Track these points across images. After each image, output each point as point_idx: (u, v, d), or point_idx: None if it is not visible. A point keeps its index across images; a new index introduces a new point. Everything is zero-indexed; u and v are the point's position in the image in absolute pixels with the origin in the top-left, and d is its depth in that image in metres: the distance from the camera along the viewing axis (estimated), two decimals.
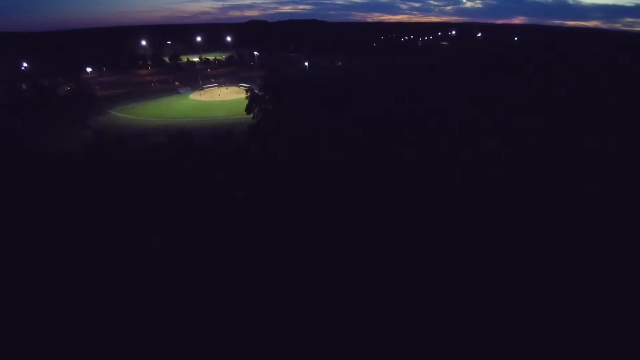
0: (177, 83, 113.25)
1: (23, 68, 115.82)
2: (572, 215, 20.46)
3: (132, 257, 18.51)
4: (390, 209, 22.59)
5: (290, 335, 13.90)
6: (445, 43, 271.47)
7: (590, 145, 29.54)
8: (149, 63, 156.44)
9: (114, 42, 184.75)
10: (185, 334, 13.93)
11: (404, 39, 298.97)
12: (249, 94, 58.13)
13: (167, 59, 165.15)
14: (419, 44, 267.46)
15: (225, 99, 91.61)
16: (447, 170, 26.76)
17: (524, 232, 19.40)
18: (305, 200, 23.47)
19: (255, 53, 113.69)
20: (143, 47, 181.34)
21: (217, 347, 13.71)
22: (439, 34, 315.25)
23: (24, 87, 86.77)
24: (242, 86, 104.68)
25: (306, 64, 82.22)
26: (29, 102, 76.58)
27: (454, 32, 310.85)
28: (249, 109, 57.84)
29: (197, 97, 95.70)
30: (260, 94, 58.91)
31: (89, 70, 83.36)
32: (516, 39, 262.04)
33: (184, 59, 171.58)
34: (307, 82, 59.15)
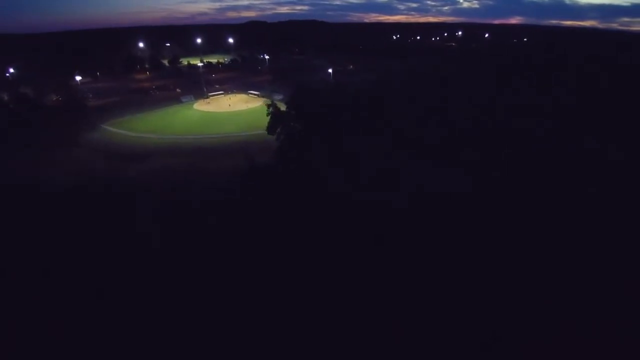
0: (178, 90, 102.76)
1: (7, 74, 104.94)
2: (572, 216, 19.94)
3: (132, 258, 19.00)
4: (390, 209, 22.44)
5: (291, 334, 13.99)
6: (453, 44, 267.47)
7: (590, 146, 28.95)
8: (147, 66, 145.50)
9: (108, 45, 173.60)
10: (185, 330, 13.81)
11: (411, 39, 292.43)
12: (271, 110, 47.90)
13: (165, 62, 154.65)
14: (429, 45, 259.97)
15: (234, 109, 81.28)
16: (449, 170, 26.45)
17: (524, 232, 18.98)
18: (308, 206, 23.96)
19: (266, 57, 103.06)
20: (140, 49, 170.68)
21: (218, 346, 13.55)
22: (445, 34, 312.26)
23: (5, 97, 76.23)
24: (251, 93, 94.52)
25: (329, 70, 71.39)
26: (11, 116, 66.08)
27: (460, 33, 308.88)
28: (271, 129, 47.68)
29: (202, 106, 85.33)
30: (284, 110, 48.77)
31: (79, 78, 72.46)
32: (525, 39, 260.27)
33: (184, 61, 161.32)
34: (342, 96, 49.00)
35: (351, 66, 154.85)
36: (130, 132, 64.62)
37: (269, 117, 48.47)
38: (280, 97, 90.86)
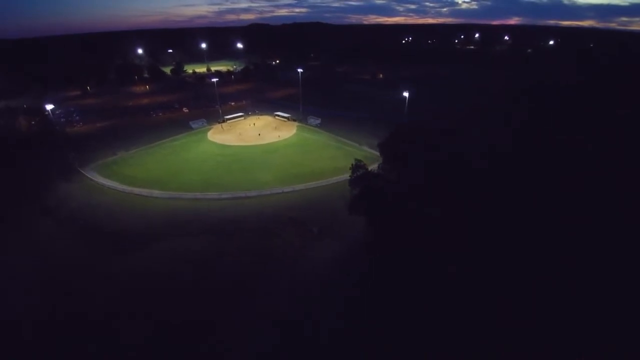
0: (185, 109, 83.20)
1: None
2: (573, 216, 19.09)
3: None
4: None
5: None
6: (472, 47, 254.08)
7: (591, 146, 28.03)
8: (146, 76, 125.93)
9: (101, 52, 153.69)
10: None
11: (429, 42, 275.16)
12: (359, 173, 28.29)
13: (167, 71, 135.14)
14: (451, 48, 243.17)
15: (264, 140, 61.50)
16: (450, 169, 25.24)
17: (525, 232, 18.44)
18: None
19: (299, 70, 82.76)
20: (136, 56, 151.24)
21: None
22: (462, 36, 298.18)
23: None
24: (278, 116, 74.78)
25: (405, 93, 50.38)
26: None
27: (477, 35, 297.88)
28: (355, 207, 28.01)
29: (218, 135, 65.55)
30: (378, 171, 29.19)
31: (50, 107, 53.07)
32: (551, 42, 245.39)
33: (189, 69, 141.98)
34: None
35: (381, 75, 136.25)
36: (123, 186, 44.82)
37: (352, 183, 28.94)
38: (318, 121, 71.81)
